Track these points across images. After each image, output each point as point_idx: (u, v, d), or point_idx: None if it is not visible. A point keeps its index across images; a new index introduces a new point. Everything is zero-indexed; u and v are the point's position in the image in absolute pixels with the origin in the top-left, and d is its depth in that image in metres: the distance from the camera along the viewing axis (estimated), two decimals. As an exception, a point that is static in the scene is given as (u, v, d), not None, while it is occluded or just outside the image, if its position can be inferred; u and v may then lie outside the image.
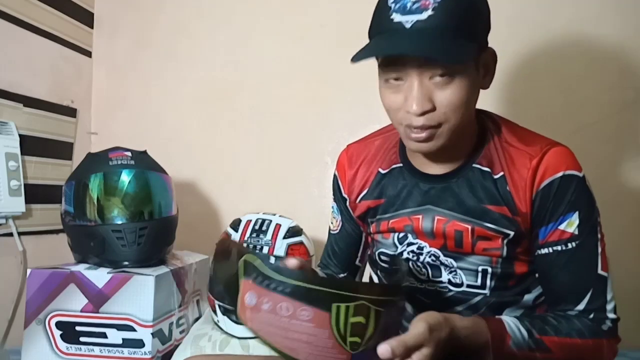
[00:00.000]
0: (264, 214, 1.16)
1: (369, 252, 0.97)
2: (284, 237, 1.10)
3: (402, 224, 0.85)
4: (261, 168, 1.59)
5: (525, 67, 1.45)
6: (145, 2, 1.69)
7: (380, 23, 0.72)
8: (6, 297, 1.29)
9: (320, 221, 1.54)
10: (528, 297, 0.83)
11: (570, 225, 0.75)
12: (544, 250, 0.77)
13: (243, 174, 1.60)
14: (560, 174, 0.75)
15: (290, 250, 1.09)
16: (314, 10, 1.56)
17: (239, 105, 1.61)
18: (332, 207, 0.98)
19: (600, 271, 0.76)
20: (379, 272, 0.94)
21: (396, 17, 0.69)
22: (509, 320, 0.73)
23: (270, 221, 1.12)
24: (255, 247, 1.07)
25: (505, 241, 0.78)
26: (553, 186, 0.75)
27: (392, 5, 0.69)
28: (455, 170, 0.81)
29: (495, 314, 0.82)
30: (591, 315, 0.75)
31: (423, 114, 0.71)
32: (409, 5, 0.68)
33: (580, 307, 0.75)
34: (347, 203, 0.93)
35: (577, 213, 0.75)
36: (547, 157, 0.75)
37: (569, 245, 0.75)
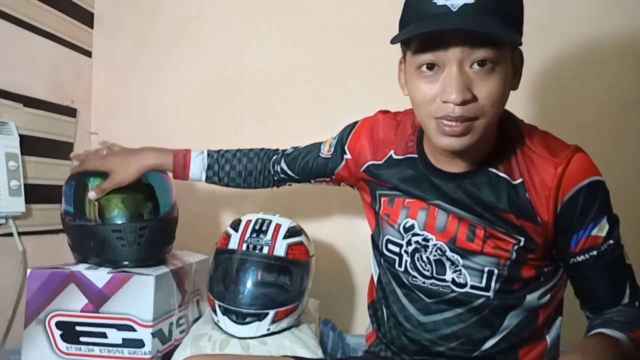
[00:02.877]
0: (264, 214, 1.16)
1: (375, 239, 0.96)
2: (284, 237, 1.10)
3: (419, 206, 0.84)
4: (261, 168, 1.59)
5: (525, 67, 1.44)
6: (145, 2, 1.69)
7: (421, 8, 0.69)
8: (6, 297, 1.29)
9: (320, 221, 1.54)
10: (531, 298, 0.82)
11: (601, 229, 0.76)
12: (581, 258, 0.77)
13: (243, 174, 1.60)
14: (586, 181, 0.74)
15: (290, 250, 1.09)
16: (314, 10, 1.56)
17: (239, 105, 1.61)
18: (336, 137, 1.01)
19: (627, 261, 0.79)
20: (383, 261, 0.93)
21: (440, 1, 0.67)
22: (604, 330, 0.72)
23: (270, 221, 1.12)
24: (255, 247, 1.08)
25: (515, 247, 0.78)
26: (581, 194, 0.74)
27: None
28: (471, 172, 0.79)
29: (498, 317, 0.82)
30: (637, 303, 0.77)
31: (463, 103, 0.68)
32: None
33: (625, 300, 0.77)
34: (344, 156, 0.97)
35: (605, 218, 0.76)
36: (572, 165, 0.74)
37: (602, 248, 0.76)
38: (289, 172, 1.08)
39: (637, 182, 1.36)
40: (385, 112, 0.95)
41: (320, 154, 1.03)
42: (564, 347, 0.89)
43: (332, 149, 1.00)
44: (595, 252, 0.76)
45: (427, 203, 0.83)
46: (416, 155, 0.86)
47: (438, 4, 0.67)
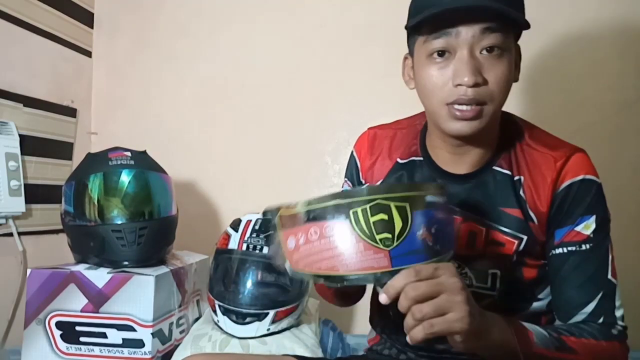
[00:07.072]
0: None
1: None
2: (284, 237, 1.09)
3: None
4: (261, 168, 1.59)
5: (525, 67, 1.44)
6: (145, 2, 1.69)
7: None
8: (6, 297, 1.29)
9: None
10: (537, 305, 0.83)
11: (587, 228, 0.76)
12: (559, 250, 0.77)
13: (243, 174, 1.60)
14: (580, 177, 0.76)
15: (290, 250, 1.08)
16: (314, 10, 1.56)
17: (239, 105, 1.61)
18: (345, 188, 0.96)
19: (610, 277, 0.76)
20: None
21: None
22: (525, 323, 0.72)
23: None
24: (255, 247, 1.08)
25: (519, 247, 0.78)
26: (573, 188, 0.76)
27: None
28: (476, 172, 0.81)
29: None
30: (600, 320, 0.75)
31: (475, 85, 0.70)
32: None
33: (589, 308, 0.75)
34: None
35: (594, 217, 0.76)
36: (570, 161, 0.76)
37: (583, 247, 0.76)
38: None
39: (638, 182, 1.36)
40: (374, 127, 0.95)
41: None
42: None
43: None
44: (573, 248, 0.76)
45: None
46: (421, 158, 0.86)
47: None
